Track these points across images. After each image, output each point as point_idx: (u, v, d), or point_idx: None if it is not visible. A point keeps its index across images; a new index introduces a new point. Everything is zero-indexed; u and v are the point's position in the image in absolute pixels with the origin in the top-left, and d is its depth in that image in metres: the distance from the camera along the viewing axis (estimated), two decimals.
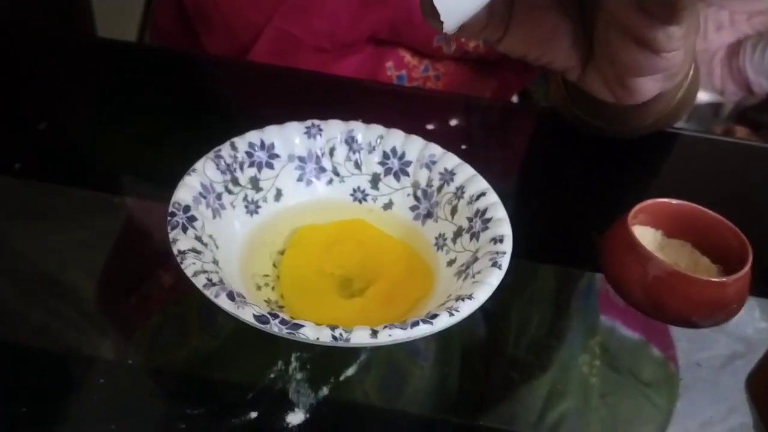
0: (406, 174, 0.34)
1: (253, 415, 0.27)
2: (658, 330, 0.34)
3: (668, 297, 0.32)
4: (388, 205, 0.34)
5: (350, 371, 0.29)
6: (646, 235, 0.35)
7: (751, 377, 0.31)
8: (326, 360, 0.29)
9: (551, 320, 0.34)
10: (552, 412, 0.29)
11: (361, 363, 0.29)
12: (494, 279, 0.27)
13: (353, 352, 0.29)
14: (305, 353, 0.29)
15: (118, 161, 0.40)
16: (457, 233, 0.32)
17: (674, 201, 0.35)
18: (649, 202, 0.35)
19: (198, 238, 0.28)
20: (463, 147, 0.42)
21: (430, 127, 0.44)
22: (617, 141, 0.43)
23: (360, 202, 0.35)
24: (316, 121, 0.34)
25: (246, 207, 0.32)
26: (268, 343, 0.29)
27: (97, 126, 0.43)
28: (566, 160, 0.45)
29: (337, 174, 0.35)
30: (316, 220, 0.33)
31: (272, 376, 0.28)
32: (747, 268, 0.31)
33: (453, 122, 0.45)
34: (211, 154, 0.31)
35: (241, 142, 0.32)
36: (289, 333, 0.23)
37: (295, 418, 0.26)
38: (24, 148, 0.39)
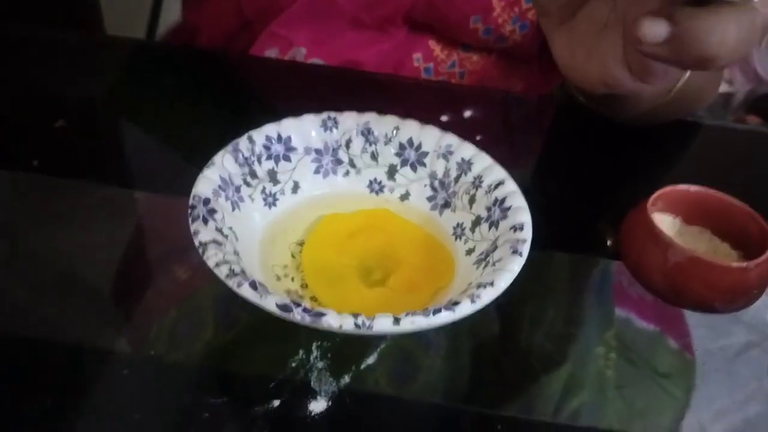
0: (423, 164, 0.34)
1: (276, 403, 0.27)
2: (674, 321, 0.34)
3: (689, 283, 0.32)
4: (405, 196, 0.35)
5: (371, 359, 0.29)
6: (664, 222, 0.35)
7: None
8: (347, 348, 0.29)
9: (566, 312, 0.34)
10: (568, 403, 0.29)
11: (382, 351, 0.29)
12: (515, 266, 0.27)
13: (373, 341, 0.29)
14: (326, 342, 0.29)
15: (135, 157, 0.40)
16: (476, 222, 0.32)
17: (692, 187, 0.35)
18: (668, 189, 0.34)
19: (219, 230, 0.28)
20: (478, 138, 0.42)
21: (444, 118, 0.44)
22: (633, 130, 0.43)
23: (377, 193, 0.35)
24: (332, 114, 0.34)
25: (264, 199, 0.32)
26: (286, 334, 0.29)
27: (113, 123, 0.43)
28: (583, 150, 0.44)
29: (353, 166, 0.35)
30: (334, 211, 0.33)
31: (293, 365, 0.28)
32: None
33: (467, 113, 0.45)
34: (229, 148, 0.31)
35: (258, 135, 0.33)
36: (312, 321, 0.24)
37: (318, 406, 0.27)
38: (42, 145, 0.39)
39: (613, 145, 0.44)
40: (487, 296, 0.25)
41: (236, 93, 0.47)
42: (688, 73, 0.37)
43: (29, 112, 0.42)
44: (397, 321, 0.24)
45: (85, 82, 0.45)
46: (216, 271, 0.25)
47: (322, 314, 0.24)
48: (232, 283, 0.25)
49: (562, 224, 0.38)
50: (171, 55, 0.50)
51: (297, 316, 0.24)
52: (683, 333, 0.33)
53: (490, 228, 0.31)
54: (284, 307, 0.24)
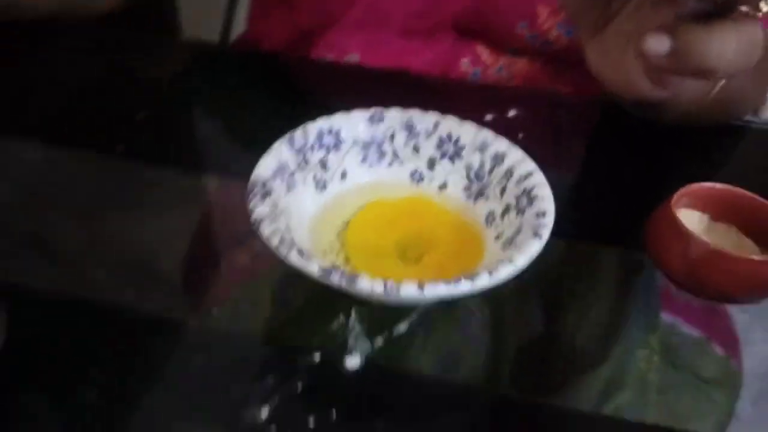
0: (460, 157, 0.37)
1: (317, 357, 0.30)
2: (721, 328, 0.34)
3: (710, 274, 0.33)
4: (443, 186, 0.38)
5: (402, 327, 0.32)
6: (692, 218, 0.37)
7: None
8: (382, 315, 0.32)
9: (610, 311, 0.35)
10: (610, 401, 0.30)
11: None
12: (533, 247, 0.29)
13: (405, 313, 0.33)
14: (364, 310, 0.32)
15: (205, 147, 0.45)
16: (505, 210, 0.35)
17: (718, 185, 0.36)
18: (694, 186, 0.36)
19: (273, 208, 0.32)
20: (521, 136, 0.45)
21: (488, 117, 0.46)
22: (679, 133, 0.44)
23: (417, 182, 0.38)
24: (379, 109, 0.38)
25: (315, 184, 0.36)
26: (331, 309, 0.33)
27: (188, 117, 0.48)
28: (625, 153, 0.46)
29: (397, 157, 0.38)
30: (377, 198, 0.37)
31: (334, 328, 0.32)
32: None
33: (511, 113, 0.48)
34: (285, 137, 0.35)
35: (312, 127, 0.37)
36: (348, 284, 0.27)
37: (353, 361, 0.30)
38: (125, 134, 0.45)
39: (656, 148, 0.46)
40: (505, 271, 0.28)
41: (296, 92, 0.51)
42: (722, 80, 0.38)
43: (117, 105, 0.47)
44: (421, 287, 0.27)
45: (166, 81, 0.51)
46: (268, 240, 0.29)
47: (356, 278, 0.27)
48: (281, 250, 0.29)
49: (605, 220, 0.40)
50: (239, 59, 0.55)
51: (335, 279, 0.27)
52: (730, 340, 0.34)
53: (517, 215, 0.33)
54: (325, 271, 0.27)
